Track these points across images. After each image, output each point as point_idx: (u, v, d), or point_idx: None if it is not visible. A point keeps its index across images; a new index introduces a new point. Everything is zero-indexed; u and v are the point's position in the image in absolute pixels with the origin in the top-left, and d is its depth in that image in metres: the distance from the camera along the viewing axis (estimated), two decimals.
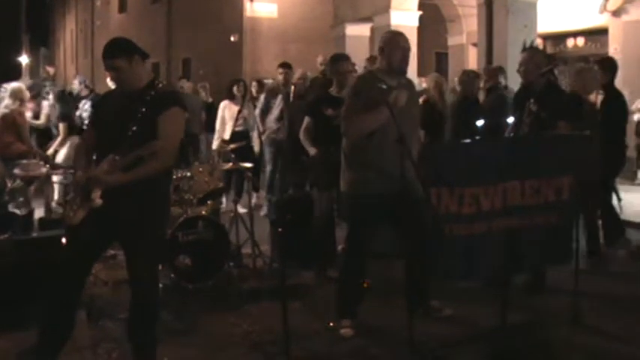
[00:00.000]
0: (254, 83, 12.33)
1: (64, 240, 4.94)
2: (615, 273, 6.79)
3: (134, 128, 4.02)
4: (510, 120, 6.09)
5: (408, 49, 5.14)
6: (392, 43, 5.12)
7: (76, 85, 11.30)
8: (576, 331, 5.12)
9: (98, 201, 4.00)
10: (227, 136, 9.35)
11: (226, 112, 9.92)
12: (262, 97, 10.08)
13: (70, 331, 4.22)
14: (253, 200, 9.81)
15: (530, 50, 6.54)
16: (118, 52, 4.16)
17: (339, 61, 6.74)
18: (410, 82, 5.42)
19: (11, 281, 5.22)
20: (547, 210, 5.02)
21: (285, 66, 9.80)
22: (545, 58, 6.43)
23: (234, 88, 9.99)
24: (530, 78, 6.14)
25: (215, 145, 9.75)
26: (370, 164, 5.00)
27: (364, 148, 5.01)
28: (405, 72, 5.13)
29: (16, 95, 8.81)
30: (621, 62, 13.40)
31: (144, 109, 4.07)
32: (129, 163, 3.99)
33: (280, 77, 9.73)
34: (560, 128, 5.79)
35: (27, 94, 9.50)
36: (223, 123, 9.88)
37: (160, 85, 4.27)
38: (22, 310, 5.14)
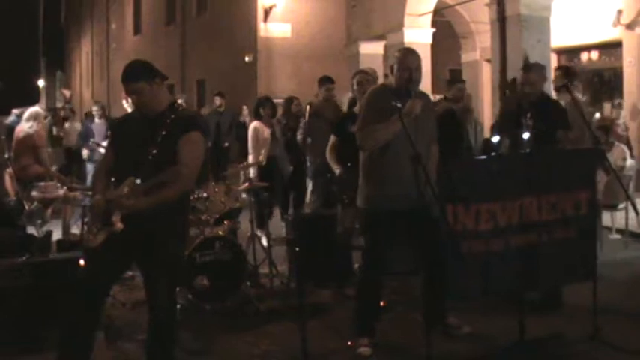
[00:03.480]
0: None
1: (82, 262, 4.95)
2: (634, 287, 6.74)
3: (154, 152, 4.03)
4: (495, 139, 6.11)
5: (416, 69, 5.09)
6: (400, 63, 5.11)
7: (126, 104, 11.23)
8: (595, 347, 5.09)
9: (119, 225, 4.00)
10: (264, 161, 8.88)
11: (259, 134, 9.12)
12: (304, 120, 8.93)
13: (88, 353, 4.22)
14: None
15: (536, 68, 6.55)
16: (139, 75, 4.14)
17: (358, 75, 6.88)
18: (425, 96, 5.42)
19: (29, 303, 5.25)
20: (565, 225, 4.99)
21: (329, 81, 8.54)
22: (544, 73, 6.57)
23: (261, 109, 9.24)
24: (537, 95, 6.20)
25: (252, 172, 8.84)
26: (386, 181, 5.00)
27: (380, 164, 5.02)
28: (411, 93, 5.03)
29: (35, 118, 8.93)
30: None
31: (164, 133, 4.08)
32: (150, 188, 4.00)
33: (326, 94, 8.55)
34: (560, 139, 5.89)
35: (43, 117, 9.62)
36: (257, 146, 9.09)
37: (180, 108, 4.28)
38: (40, 331, 5.16)
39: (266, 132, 9.12)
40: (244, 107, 12.06)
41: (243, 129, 11.67)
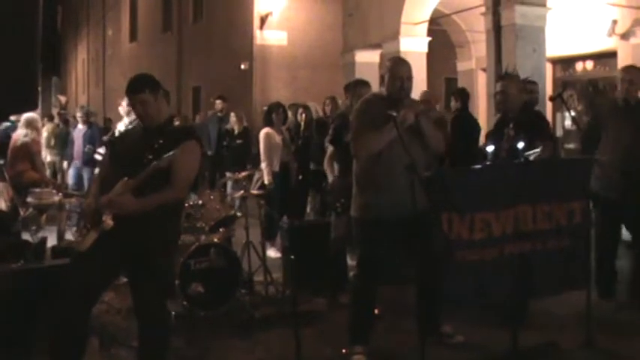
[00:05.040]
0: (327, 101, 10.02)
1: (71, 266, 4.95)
2: (628, 296, 6.73)
3: (150, 157, 4.08)
4: (490, 148, 6.06)
5: (407, 79, 5.11)
6: (391, 72, 5.14)
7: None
8: (590, 355, 5.10)
9: (109, 222, 4.03)
10: (276, 167, 8.99)
11: (272, 140, 9.09)
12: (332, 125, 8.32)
13: (80, 358, 4.22)
14: None
15: (507, 78, 6.39)
16: (145, 86, 4.28)
17: (360, 86, 6.85)
18: (418, 104, 5.43)
19: (23, 309, 5.24)
20: (559, 234, 5.01)
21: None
22: (522, 83, 6.37)
23: (274, 115, 9.21)
24: (510, 105, 6.07)
25: (267, 179, 8.87)
26: (380, 189, 5.01)
27: (374, 173, 5.03)
28: (402, 101, 5.05)
29: (30, 125, 8.93)
30: None
31: (161, 141, 4.14)
32: (144, 179, 4.03)
33: (354, 100, 7.65)
34: (543, 151, 5.75)
35: (40, 123, 9.60)
36: (270, 153, 9.04)
37: (177, 123, 4.38)
38: (34, 337, 5.14)
39: (277, 138, 9.12)
40: (232, 114, 11.70)
41: (232, 137, 11.45)
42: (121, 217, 4.05)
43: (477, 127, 9.07)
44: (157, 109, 4.30)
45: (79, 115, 13.18)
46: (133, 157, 4.18)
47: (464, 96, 8.93)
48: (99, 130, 13.40)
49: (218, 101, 13.48)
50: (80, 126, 12.93)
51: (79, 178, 12.68)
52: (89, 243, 4.10)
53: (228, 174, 9.07)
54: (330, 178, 6.80)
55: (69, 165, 13.35)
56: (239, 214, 7.10)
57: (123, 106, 9.64)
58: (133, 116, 9.15)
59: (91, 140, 12.45)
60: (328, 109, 9.63)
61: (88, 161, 12.08)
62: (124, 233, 4.06)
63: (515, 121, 5.97)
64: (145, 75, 4.48)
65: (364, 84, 7.11)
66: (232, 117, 11.55)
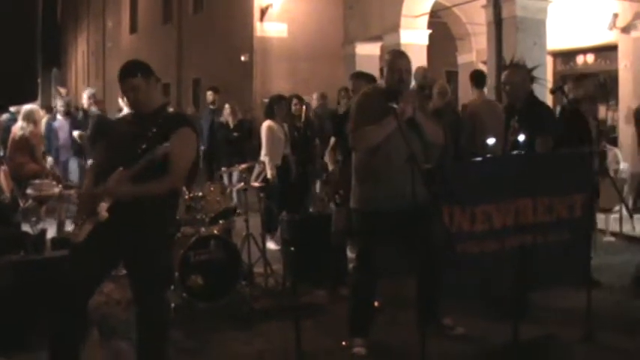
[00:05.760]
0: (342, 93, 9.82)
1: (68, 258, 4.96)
2: (628, 290, 6.75)
3: (144, 146, 4.05)
4: (491, 141, 5.96)
5: (406, 71, 5.13)
6: (390, 64, 5.14)
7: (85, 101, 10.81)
8: (589, 349, 5.10)
9: (104, 213, 4.00)
10: (278, 160, 8.94)
11: (275, 133, 9.02)
12: None
13: (77, 351, 4.21)
14: None
15: (513, 67, 6.24)
16: (137, 71, 4.22)
17: (360, 78, 6.83)
18: (416, 97, 5.42)
19: (24, 301, 5.24)
20: (560, 227, 5.00)
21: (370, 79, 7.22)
22: (529, 73, 6.20)
23: (275, 108, 9.12)
24: (517, 95, 6.02)
25: (270, 173, 8.80)
26: (379, 181, 5.01)
27: (373, 165, 5.03)
28: (401, 94, 5.03)
29: (29, 117, 8.92)
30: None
31: (155, 130, 4.11)
32: (139, 170, 4.01)
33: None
34: (538, 145, 5.73)
35: (40, 115, 9.59)
36: (273, 146, 8.97)
37: (171, 110, 4.33)
38: (34, 330, 5.15)
39: (279, 131, 9.07)
40: (226, 106, 11.46)
41: (228, 130, 11.25)
42: (117, 209, 4.03)
43: (459, 121, 9.04)
44: (148, 96, 4.23)
45: (59, 104, 12.35)
46: (127, 147, 4.14)
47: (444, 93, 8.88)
48: (78, 115, 12.85)
49: (209, 92, 13.16)
50: (59, 117, 12.34)
51: (65, 170, 12.39)
52: (84, 234, 4.08)
53: (223, 169, 9.06)
54: (331, 169, 6.83)
55: (56, 159, 12.75)
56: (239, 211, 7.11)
57: (123, 98, 9.61)
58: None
59: (76, 128, 12.03)
60: (343, 103, 9.57)
61: (77, 151, 11.85)
62: (120, 225, 4.04)
63: (519, 113, 5.94)
64: (136, 60, 4.43)
65: (364, 77, 7.10)
66: (226, 109, 11.36)
